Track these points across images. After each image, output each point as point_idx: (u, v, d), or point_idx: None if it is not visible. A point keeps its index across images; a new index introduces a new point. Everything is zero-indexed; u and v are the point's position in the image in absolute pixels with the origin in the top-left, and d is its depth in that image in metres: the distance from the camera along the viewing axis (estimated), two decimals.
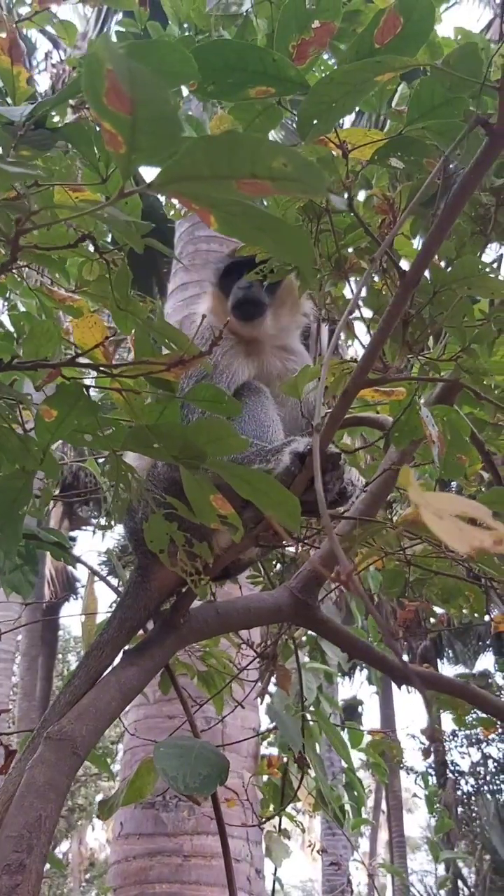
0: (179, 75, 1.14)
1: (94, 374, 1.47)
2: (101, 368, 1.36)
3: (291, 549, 3.94)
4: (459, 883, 19.08)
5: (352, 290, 1.87)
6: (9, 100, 1.46)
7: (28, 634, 18.75)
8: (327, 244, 1.81)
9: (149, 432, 1.31)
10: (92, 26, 10.52)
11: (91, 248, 1.41)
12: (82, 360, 1.37)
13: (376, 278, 1.98)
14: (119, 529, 18.57)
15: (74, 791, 25.70)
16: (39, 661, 19.67)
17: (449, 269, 1.66)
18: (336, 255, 1.77)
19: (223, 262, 2.59)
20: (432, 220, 1.69)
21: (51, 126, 1.36)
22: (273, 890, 5.33)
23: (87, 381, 1.43)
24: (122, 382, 1.40)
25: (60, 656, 25.50)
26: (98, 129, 1.28)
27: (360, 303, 1.79)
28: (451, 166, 1.61)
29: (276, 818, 4.65)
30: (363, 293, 1.88)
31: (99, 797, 28.40)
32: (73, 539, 22.91)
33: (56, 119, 1.54)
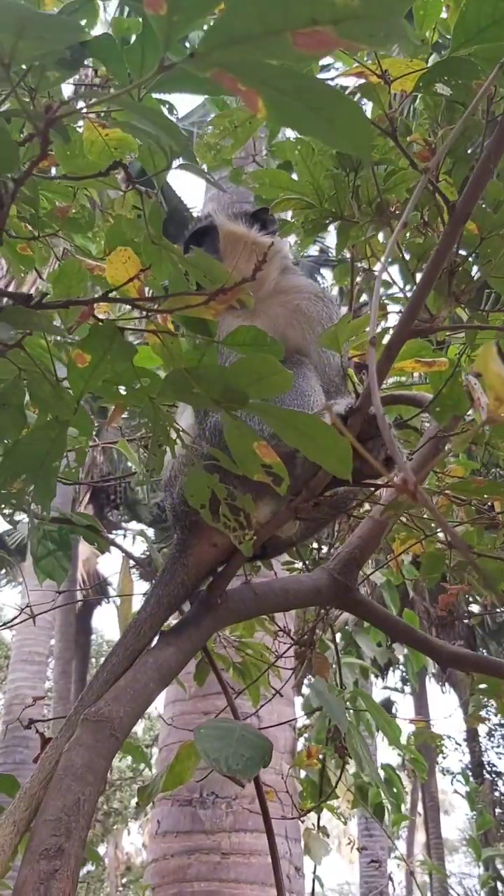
0: None
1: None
2: (137, 304, 1.29)
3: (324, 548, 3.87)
4: (499, 885, 18.81)
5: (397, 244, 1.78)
6: None
7: (62, 638, 18.82)
8: (368, 190, 1.73)
9: (188, 376, 1.24)
10: None
11: (124, 191, 1.34)
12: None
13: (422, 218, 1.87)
14: (149, 533, 18.61)
15: (109, 795, 25.75)
16: (73, 664, 19.73)
17: (497, 213, 1.57)
18: (378, 201, 1.69)
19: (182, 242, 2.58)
20: (475, 164, 1.61)
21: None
22: (313, 889, 5.23)
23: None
24: (159, 327, 1.33)
25: (94, 660, 25.58)
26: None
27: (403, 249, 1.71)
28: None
29: (315, 815, 4.57)
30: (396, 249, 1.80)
31: (134, 801, 28.44)
32: None
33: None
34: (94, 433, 2.12)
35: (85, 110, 1.11)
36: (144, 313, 1.30)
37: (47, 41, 0.82)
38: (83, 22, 1.29)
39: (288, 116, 0.76)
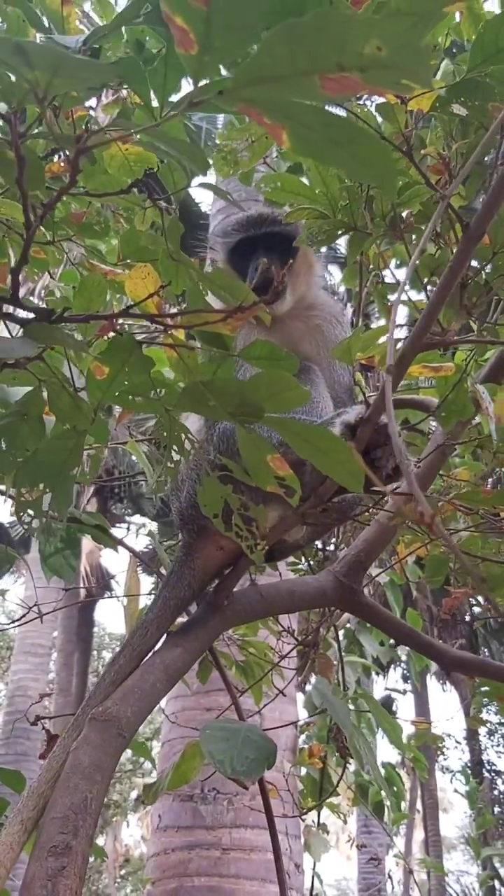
0: None
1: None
2: (156, 320, 1.31)
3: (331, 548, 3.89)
4: (496, 883, 18.86)
5: (408, 251, 1.80)
6: None
7: (64, 630, 18.88)
8: (382, 204, 1.74)
9: (204, 389, 1.26)
10: None
11: (143, 207, 1.36)
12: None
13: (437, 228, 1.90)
14: (152, 527, 18.63)
15: (109, 787, 25.80)
16: (75, 657, 19.80)
17: None
18: (391, 215, 1.71)
19: (231, 237, 2.48)
20: (490, 179, 1.62)
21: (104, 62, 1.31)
22: (312, 885, 5.26)
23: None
24: (175, 340, 1.35)
25: (95, 653, 25.66)
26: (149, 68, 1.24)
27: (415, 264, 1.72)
28: None
29: (315, 812, 4.60)
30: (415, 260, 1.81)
31: (134, 793, 28.56)
32: None
33: (109, 54, 1.48)
34: None
35: (113, 136, 1.13)
36: (163, 328, 1.32)
37: (81, 80, 0.84)
38: (108, 46, 1.31)
39: (312, 150, 0.78)
